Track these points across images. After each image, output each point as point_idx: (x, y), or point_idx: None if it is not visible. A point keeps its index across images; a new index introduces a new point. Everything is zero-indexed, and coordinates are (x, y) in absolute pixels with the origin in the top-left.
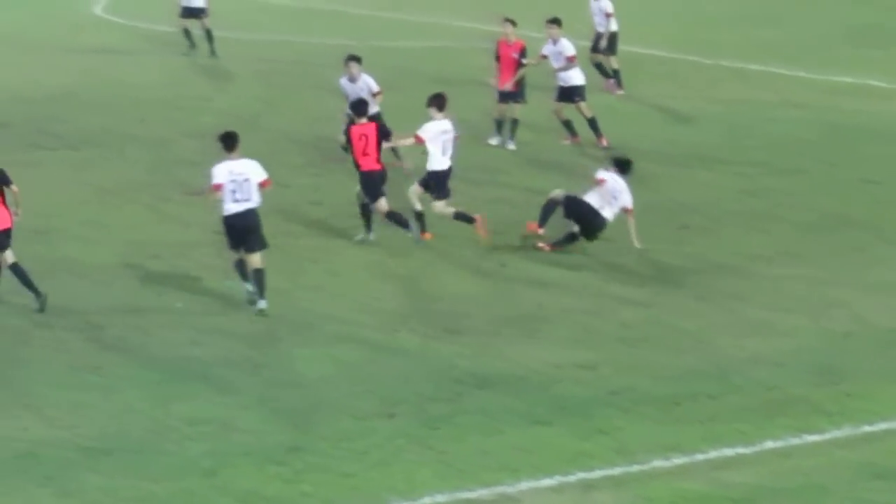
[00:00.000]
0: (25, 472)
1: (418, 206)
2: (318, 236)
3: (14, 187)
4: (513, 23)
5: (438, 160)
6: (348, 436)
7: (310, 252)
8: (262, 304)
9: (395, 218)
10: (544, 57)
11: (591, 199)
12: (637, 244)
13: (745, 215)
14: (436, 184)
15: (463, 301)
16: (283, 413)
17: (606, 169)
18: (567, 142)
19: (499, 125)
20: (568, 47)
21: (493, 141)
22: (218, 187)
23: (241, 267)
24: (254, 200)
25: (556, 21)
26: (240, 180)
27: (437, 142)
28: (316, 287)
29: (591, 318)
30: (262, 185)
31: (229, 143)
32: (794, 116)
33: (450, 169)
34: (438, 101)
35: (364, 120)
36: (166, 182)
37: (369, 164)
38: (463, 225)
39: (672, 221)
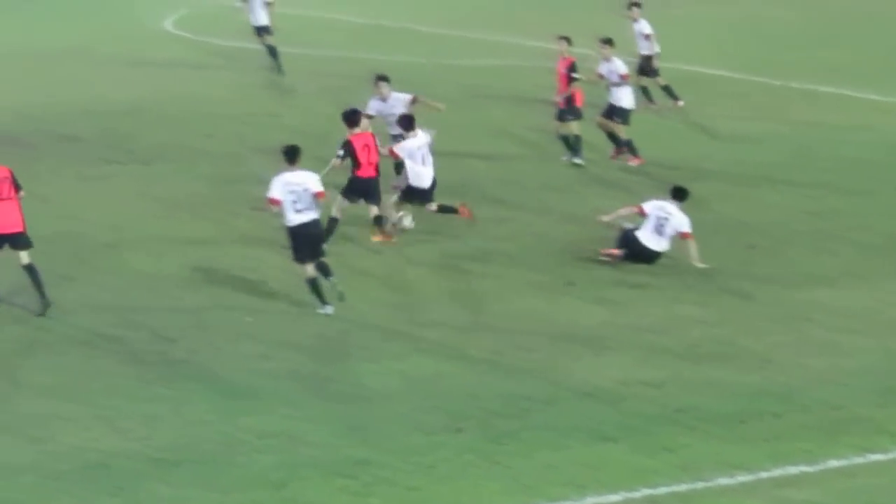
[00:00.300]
0: (96, 482)
1: (395, 217)
2: (386, 253)
3: (21, 193)
4: (567, 40)
5: (419, 175)
6: (416, 450)
7: (378, 268)
8: (328, 308)
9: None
10: (601, 76)
11: (642, 235)
12: (698, 264)
13: (811, 236)
14: (419, 196)
15: (530, 318)
16: (352, 427)
17: (653, 199)
18: (615, 157)
19: (565, 141)
20: (620, 66)
21: (565, 158)
22: (274, 202)
23: (313, 284)
24: (314, 210)
25: (608, 41)
26: (299, 190)
27: (416, 157)
28: (384, 303)
29: (657, 336)
30: (316, 197)
31: (291, 156)
32: (862, 138)
33: (433, 181)
34: (406, 123)
35: (358, 130)
36: (235, 197)
37: (368, 171)
38: (530, 244)
39: (739, 241)
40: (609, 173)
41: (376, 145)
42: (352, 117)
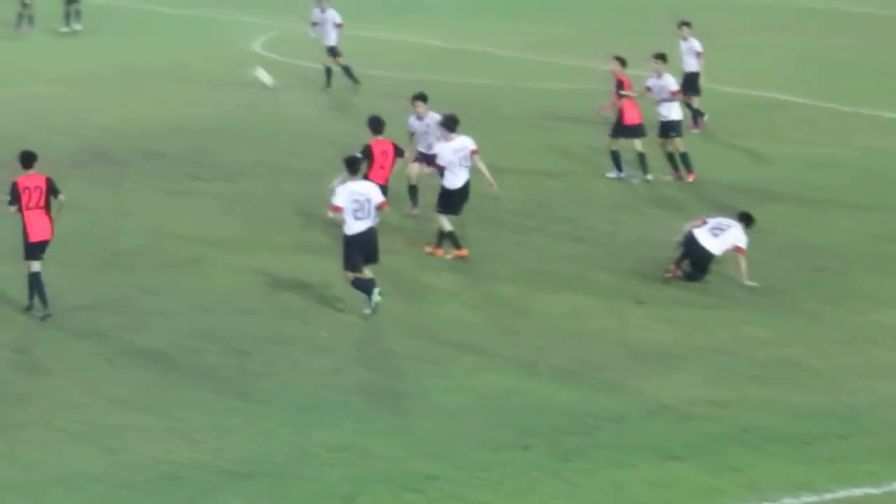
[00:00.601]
0: (169, 493)
1: (448, 227)
2: (459, 270)
3: (61, 197)
4: (620, 61)
5: (453, 178)
6: (484, 466)
7: (451, 285)
8: (375, 295)
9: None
10: (648, 89)
11: (699, 233)
12: (746, 281)
13: (878, 259)
14: (455, 200)
15: (600, 336)
16: (421, 442)
17: (711, 216)
18: (671, 177)
19: (641, 158)
20: (671, 82)
21: (611, 175)
22: (336, 209)
23: (359, 284)
24: (373, 219)
25: (661, 56)
26: (362, 200)
27: (454, 160)
28: (456, 320)
29: (725, 356)
30: (379, 207)
31: (353, 165)
32: None
33: (466, 184)
34: (448, 124)
35: (380, 137)
36: (318, 215)
37: (380, 177)
38: (601, 262)
39: (807, 264)
40: (680, 195)
41: (395, 154)
42: (375, 124)
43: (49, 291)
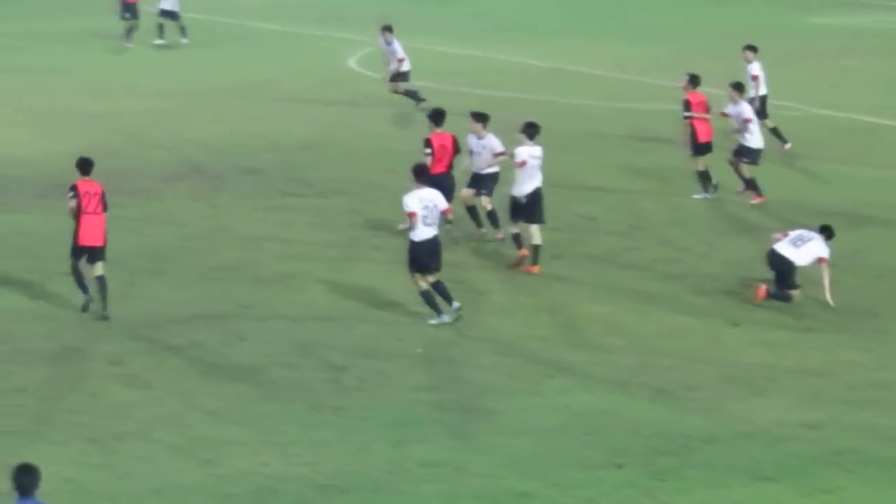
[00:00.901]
0: None
1: (515, 229)
2: (553, 288)
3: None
4: (692, 78)
5: (523, 181)
6: (577, 484)
7: (547, 304)
8: (455, 304)
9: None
10: (725, 115)
11: (779, 247)
12: (826, 295)
13: None
14: (523, 210)
15: (694, 357)
16: (514, 459)
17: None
18: (745, 195)
19: (704, 176)
20: (746, 111)
21: (696, 196)
22: (412, 215)
23: (427, 296)
24: (436, 226)
25: (738, 86)
26: (430, 206)
27: (529, 164)
28: (548, 338)
29: (817, 379)
30: (443, 213)
31: (420, 174)
32: None
33: (536, 191)
34: (529, 130)
35: (440, 130)
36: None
37: (440, 168)
38: (696, 283)
39: None
40: (773, 217)
41: (454, 149)
42: (436, 117)
43: (144, 305)
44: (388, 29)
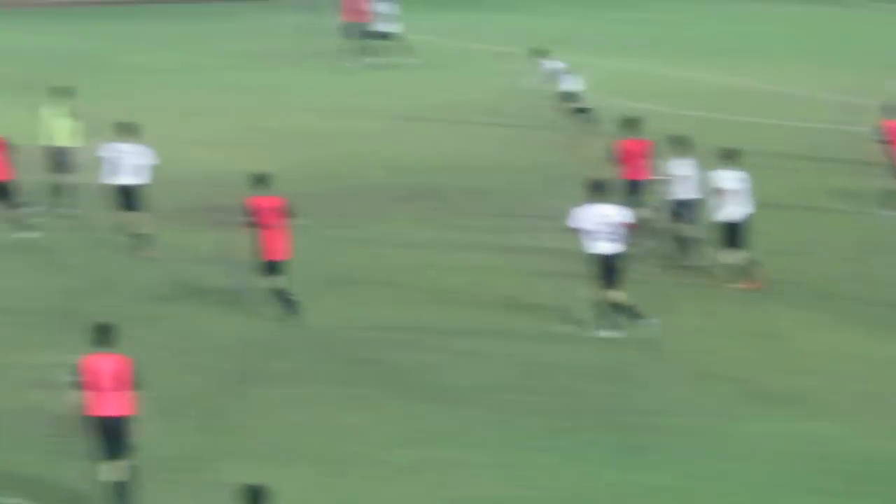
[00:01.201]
0: None
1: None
2: (770, 312)
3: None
4: (887, 111)
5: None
6: None
7: (769, 329)
8: (653, 321)
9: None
10: None
11: None
12: None
13: None
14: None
15: None
16: (743, 485)
17: None
18: None
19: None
20: None
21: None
22: (576, 230)
23: (601, 312)
24: (621, 241)
25: None
26: (611, 222)
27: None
28: (780, 361)
29: None
30: (627, 228)
31: (600, 189)
32: None
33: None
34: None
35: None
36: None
37: (630, 176)
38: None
39: None
40: None
41: (643, 155)
42: (630, 123)
43: (372, 325)
44: (540, 53)
